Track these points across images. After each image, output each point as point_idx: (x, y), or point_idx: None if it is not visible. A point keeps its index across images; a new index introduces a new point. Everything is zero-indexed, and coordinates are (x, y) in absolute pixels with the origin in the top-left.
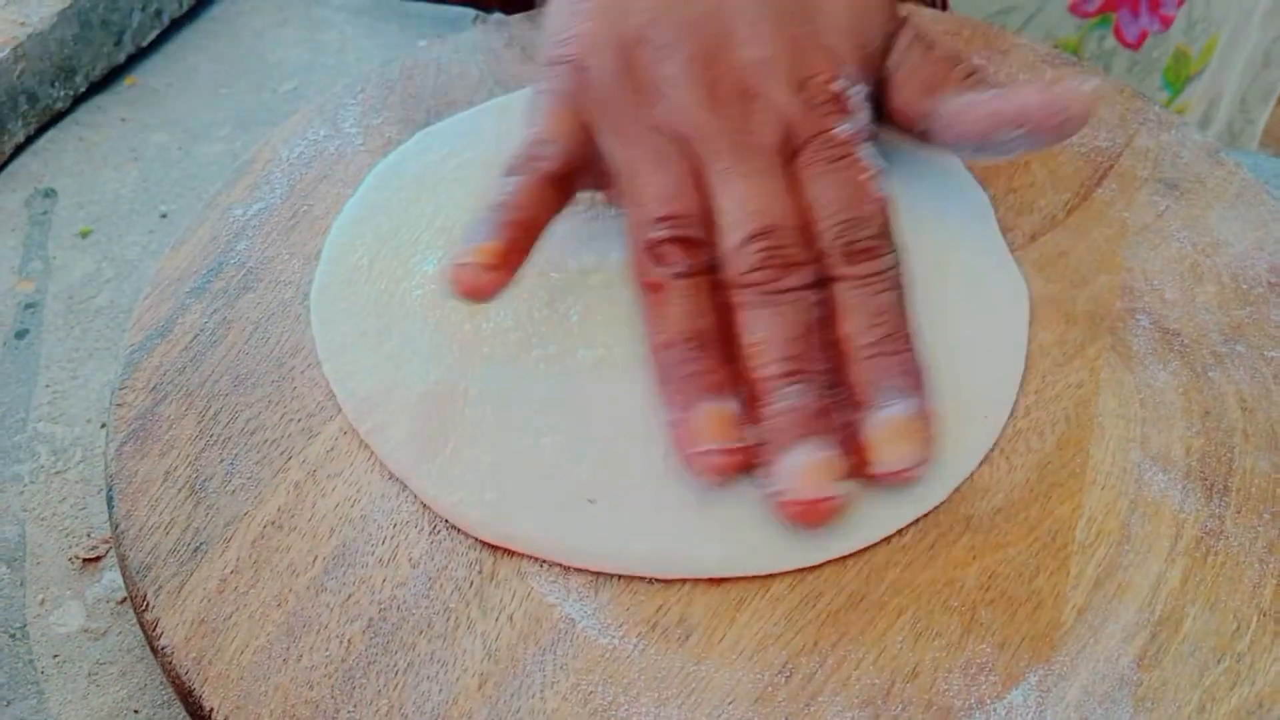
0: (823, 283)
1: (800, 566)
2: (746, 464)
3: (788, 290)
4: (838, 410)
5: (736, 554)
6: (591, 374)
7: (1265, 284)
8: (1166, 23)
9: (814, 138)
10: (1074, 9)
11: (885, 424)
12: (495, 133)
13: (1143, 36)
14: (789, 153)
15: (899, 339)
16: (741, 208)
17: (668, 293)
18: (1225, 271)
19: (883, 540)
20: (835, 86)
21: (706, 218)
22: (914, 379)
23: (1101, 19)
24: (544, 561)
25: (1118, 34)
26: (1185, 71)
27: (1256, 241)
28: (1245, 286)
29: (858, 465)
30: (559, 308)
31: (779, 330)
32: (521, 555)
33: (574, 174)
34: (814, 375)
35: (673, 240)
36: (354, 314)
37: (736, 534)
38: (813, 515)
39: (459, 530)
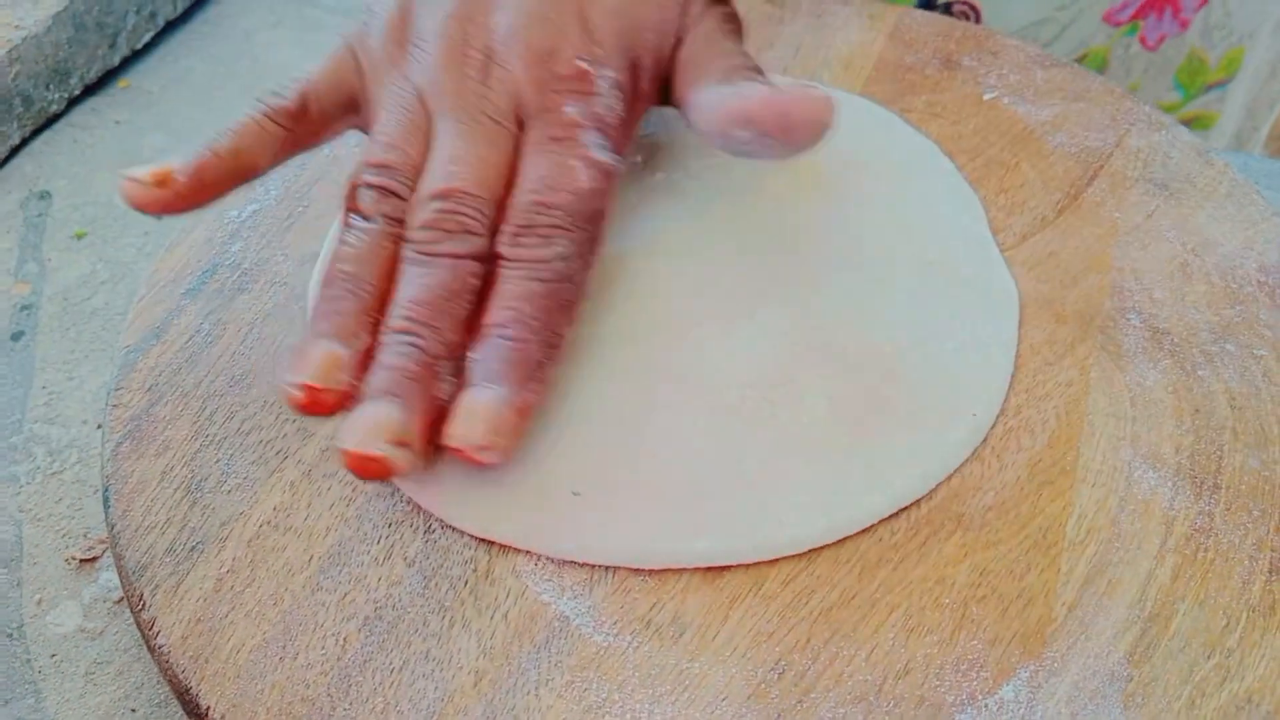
0: (496, 257)
1: (785, 555)
2: (331, 407)
3: (446, 255)
4: (451, 385)
5: (722, 545)
6: (575, 367)
7: (1254, 283)
8: (1184, 25)
9: (542, 114)
10: (1108, 18)
11: (466, 402)
12: None
13: (1162, 40)
14: (519, 125)
15: (523, 327)
16: (442, 165)
17: (352, 231)
18: (1215, 271)
19: (874, 538)
20: (578, 64)
21: (417, 171)
22: (516, 369)
23: (1131, 26)
24: (538, 560)
25: (1142, 40)
26: (1201, 78)
27: (1246, 241)
28: (1235, 286)
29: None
30: None
31: (418, 290)
32: (516, 554)
33: (317, 115)
34: (431, 341)
35: (373, 185)
36: None
37: (722, 525)
38: (355, 467)
39: (453, 529)
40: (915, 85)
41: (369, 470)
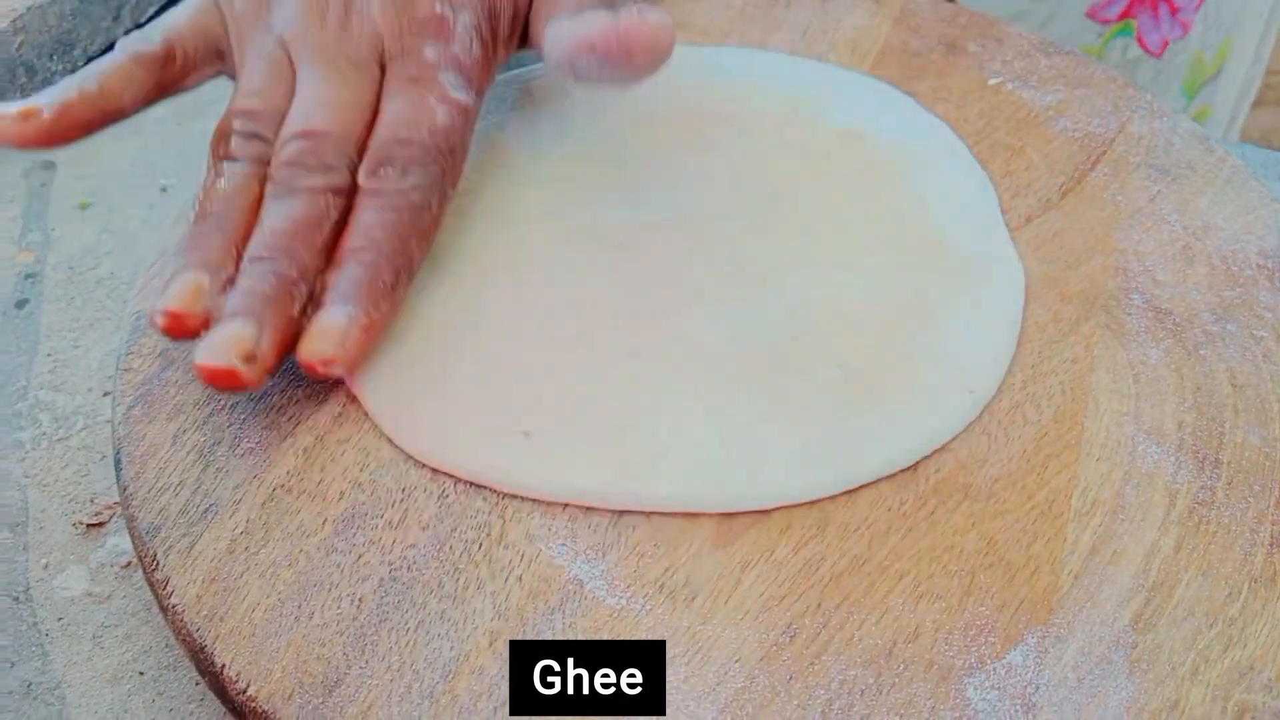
0: (357, 191)
1: (754, 509)
2: (193, 331)
3: (305, 188)
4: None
5: (683, 491)
6: (587, 335)
7: (1254, 266)
8: (1186, 28)
9: (400, 56)
10: (1092, 14)
11: (318, 322)
12: (511, 99)
13: (1164, 44)
14: (380, 68)
15: (375, 252)
16: (301, 109)
17: (220, 174)
18: (1216, 254)
19: (883, 507)
20: (436, 10)
21: (281, 117)
22: (366, 290)
23: (1123, 26)
24: (552, 525)
25: (1140, 42)
26: (1200, 77)
27: (1246, 226)
28: (1235, 269)
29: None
30: (517, 247)
31: (277, 220)
32: (529, 518)
33: (181, 60)
34: (287, 266)
35: (239, 132)
36: None
37: (684, 473)
38: (209, 379)
39: (467, 494)
40: (921, 70)
41: (221, 381)
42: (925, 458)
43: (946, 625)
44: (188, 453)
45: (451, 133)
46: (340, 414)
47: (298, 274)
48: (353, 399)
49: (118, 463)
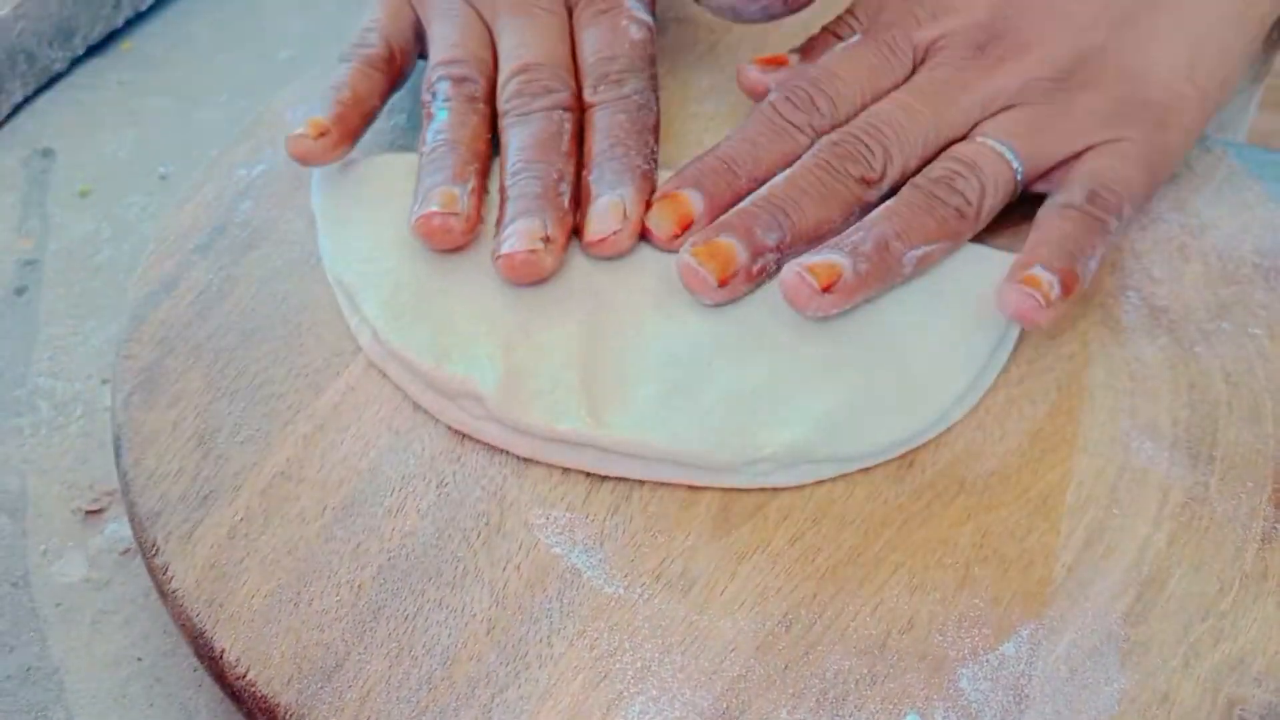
0: (585, 109)
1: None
2: (458, 235)
3: (538, 109)
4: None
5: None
6: (621, 312)
7: (1250, 265)
8: None
9: None
10: None
11: (594, 208)
12: None
13: None
14: (566, 10)
15: (620, 148)
16: (511, 50)
17: (437, 113)
18: (1212, 252)
19: (879, 500)
20: None
21: (483, 62)
22: (625, 176)
23: None
24: (550, 514)
25: None
26: None
27: (1242, 225)
28: (1231, 267)
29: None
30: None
31: (524, 138)
32: (527, 508)
33: (399, 53)
34: (547, 169)
35: (446, 76)
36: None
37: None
38: (511, 267)
39: (467, 484)
40: None
41: (520, 270)
42: (921, 451)
43: (941, 617)
44: (187, 439)
45: (647, 44)
46: (340, 402)
47: (557, 175)
48: (352, 388)
49: (117, 449)
